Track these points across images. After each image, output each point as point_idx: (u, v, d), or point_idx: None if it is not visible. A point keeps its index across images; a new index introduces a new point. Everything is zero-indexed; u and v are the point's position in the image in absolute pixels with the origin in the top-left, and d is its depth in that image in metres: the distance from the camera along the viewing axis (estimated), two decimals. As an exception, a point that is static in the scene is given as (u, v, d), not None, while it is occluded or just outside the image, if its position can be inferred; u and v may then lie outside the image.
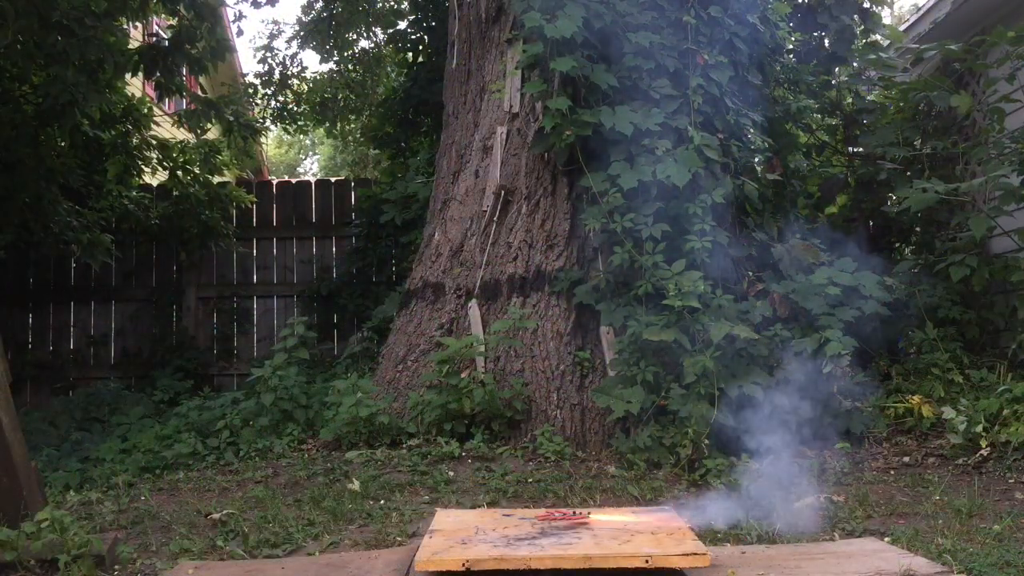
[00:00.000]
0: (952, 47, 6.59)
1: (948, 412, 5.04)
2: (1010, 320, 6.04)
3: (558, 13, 5.66)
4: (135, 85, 9.91)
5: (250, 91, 13.46)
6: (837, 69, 7.84)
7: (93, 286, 9.92)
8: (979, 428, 4.81)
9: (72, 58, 7.13)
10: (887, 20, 9.32)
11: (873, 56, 7.50)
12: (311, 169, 29.24)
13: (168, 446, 5.95)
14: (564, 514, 3.56)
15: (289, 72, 13.71)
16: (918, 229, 7.12)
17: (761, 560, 3.20)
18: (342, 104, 13.64)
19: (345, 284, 9.81)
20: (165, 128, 9.87)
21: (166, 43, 8.37)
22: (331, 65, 13.47)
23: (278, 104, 13.76)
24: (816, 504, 4.09)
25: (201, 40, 8.13)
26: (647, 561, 2.89)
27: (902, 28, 8.79)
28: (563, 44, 5.68)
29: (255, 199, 10.02)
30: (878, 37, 7.99)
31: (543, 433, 5.39)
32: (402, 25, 11.79)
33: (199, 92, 8.78)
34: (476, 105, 6.75)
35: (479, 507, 4.20)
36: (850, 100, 7.76)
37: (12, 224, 8.01)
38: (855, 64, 7.78)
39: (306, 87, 13.94)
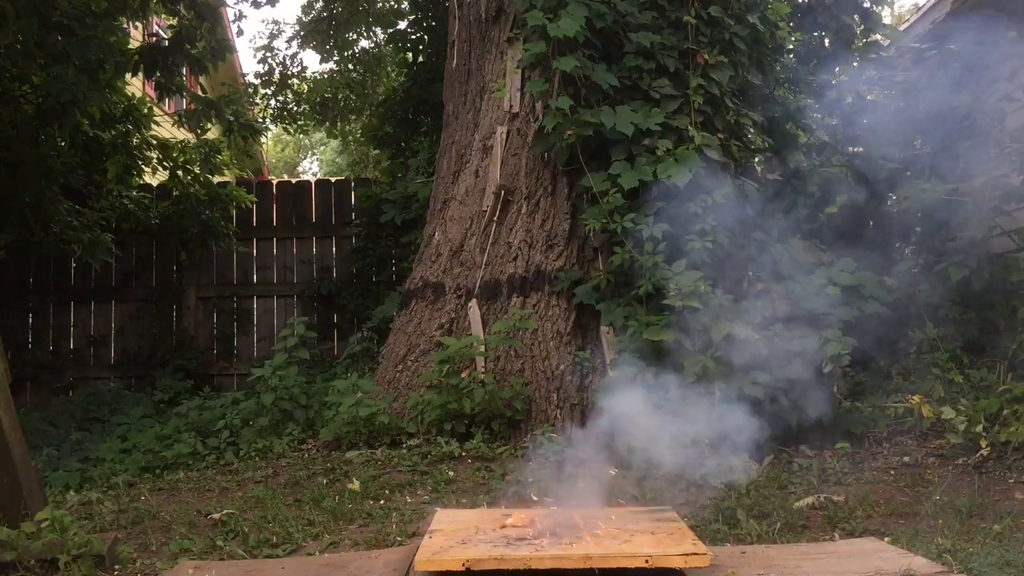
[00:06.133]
0: (952, 47, 6.58)
1: (948, 412, 5.04)
2: (1010, 320, 6.03)
3: (560, 12, 5.66)
4: (135, 85, 9.91)
5: (250, 91, 13.46)
6: (837, 69, 7.83)
7: (93, 286, 9.92)
8: (979, 428, 4.80)
9: (72, 58, 7.14)
10: (887, 20, 9.31)
11: (873, 56, 7.49)
12: (311, 169, 29.26)
13: (168, 446, 5.95)
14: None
15: (289, 72, 13.71)
16: (918, 229, 7.11)
17: (761, 560, 3.20)
18: (342, 104, 13.63)
19: (345, 284, 9.82)
20: (165, 128, 9.87)
21: (166, 43, 8.37)
22: (331, 65, 13.49)
23: (278, 104, 13.76)
24: (816, 504, 4.09)
25: (201, 40, 8.14)
26: (647, 561, 2.88)
27: (902, 28, 8.78)
28: (565, 43, 5.68)
29: (255, 199, 10.02)
30: (878, 37, 7.97)
31: (543, 433, 5.39)
32: (402, 25, 11.79)
33: (199, 92, 8.78)
34: (476, 105, 6.75)
35: (479, 507, 4.20)
36: (850, 100, 7.75)
37: (13, 224, 8.01)
38: (855, 64, 7.77)
39: (306, 87, 13.94)
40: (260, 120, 13.09)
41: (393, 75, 13.39)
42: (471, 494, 4.53)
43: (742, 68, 6.23)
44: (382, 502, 4.42)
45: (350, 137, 14.93)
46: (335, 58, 13.25)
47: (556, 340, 5.79)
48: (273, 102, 13.75)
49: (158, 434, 6.23)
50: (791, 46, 7.75)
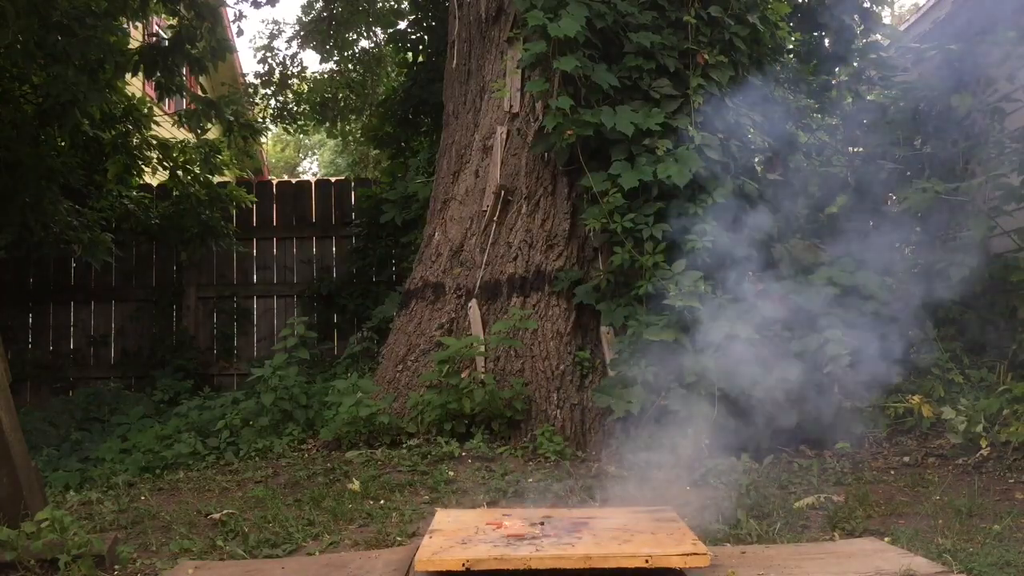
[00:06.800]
0: (952, 47, 6.58)
1: (948, 412, 5.04)
2: (1010, 320, 6.03)
3: (561, 12, 5.67)
4: (135, 85, 9.91)
5: (250, 91, 13.47)
6: (837, 69, 7.84)
7: (93, 286, 9.93)
8: (979, 428, 4.81)
9: (72, 58, 7.14)
10: (887, 20, 9.31)
11: (873, 56, 7.50)
12: (311, 169, 29.27)
13: (168, 446, 5.95)
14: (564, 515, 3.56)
15: (289, 72, 13.71)
16: (918, 229, 7.12)
17: (761, 560, 3.20)
18: (342, 104, 13.64)
19: (345, 284, 9.82)
20: (165, 128, 9.87)
21: (166, 43, 8.37)
22: (331, 65, 13.49)
23: (278, 104, 13.77)
24: (816, 504, 4.09)
25: (201, 40, 8.14)
26: (647, 561, 2.89)
27: (902, 28, 8.78)
28: (565, 43, 5.68)
29: (255, 199, 10.03)
30: (878, 37, 7.98)
31: (543, 433, 5.38)
32: (402, 25, 11.79)
33: (199, 92, 8.78)
34: (476, 105, 6.74)
35: (479, 507, 4.20)
36: (850, 100, 7.75)
37: (13, 224, 8.01)
38: (855, 64, 7.77)
39: (306, 87, 13.94)
40: (260, 120, 13.10)
41: (393, 75, 13.39)
42: (471, 494, 4.53)
43: (742, 68, 6.23)
44: (382, 502, 4.42)
45: (350, 137, 14.93)
46: (335, 58, 13.25)
47: (556, 340, 5.78)
48: (273, 102, 13.75)
49: (158, 434, 6.22)
50: (791, 46, 7.75)
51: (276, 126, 14.48)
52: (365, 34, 13.25)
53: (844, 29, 7.64)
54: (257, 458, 5.60)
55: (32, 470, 3.76)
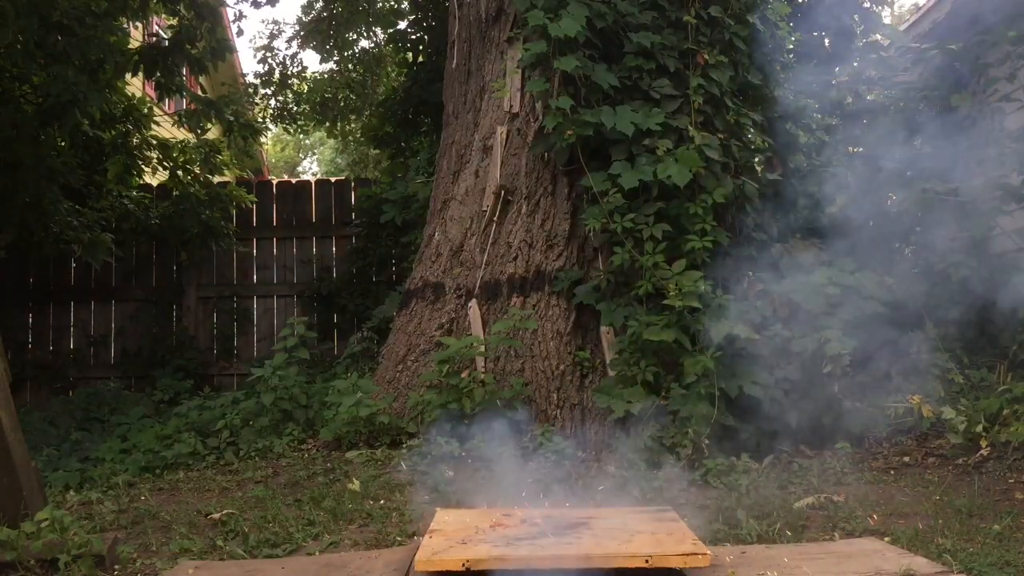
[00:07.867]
0: (952, 47, 6.59)
1: (948, 412, 5.04)
2: (1010, 320, 6.03)
3: (561, 12, 5.67)
4: (135, 85, 9.91)
5: (250, 91, 13.47)
6: (837, 69, 7.84)
7: (93, 286, 9.93)
8: (979, 428, 4.81)
9: (72, 58, 7.14)
10: (887, 20, 9.31)
11: (873, 56, 7.50)
12: (311, 169, 29.27)
13: (168, 446, 5.95)
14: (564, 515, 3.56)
15: (289, 72, 13.72)
16: (918, 229, 7.13)
17: (761, 560, 3.20)
18: (342, 104, 13.65)
19: (345, 284, 9.82)
20: (165, 128, 9.87)
21: (166, 43, 8.38)
22: (331, 65, 13.50)
23: (278, 104, 13.77)
24: (816, 504, 4.09)
25: (201, 40, 8.15)
26: (647, 561, 2.89)
27: (902, 28, 8.78)
28: (566, 43, 5.68)
29: (255, 199, 10.03)
30: (878, 37, 7.98)
31: (543, 433, 5.38)
32: (402, 25, 11.80)
33: (199, 92, 8.78)
34: (476, 105, 6.74)
35: (479, 507, 4.20)
36: (850, 100, 7.75)
37: (13, 224, 8.01)
38: (855, 64, 7.77)
39: (306, 87, 13.95)
40: (260, 120, 13.10)
41: (393, 75, 13.40)
42: (471, 494, 4.53)
43: (742, 68, 6.24)
44: (382, 502, 4.42)
45: (350, 137, 14.94)
46: (335, 58, 13.26)
47: (556, 340, 5.78)
48: (273, 102, 13.75)
49: (158, 434, 6.23)
50: (791, 46, 7.75)
51: (276, 126, 14.49)
52: (365, 34, 13.26)
53: (844, 29, 7.64)
54: (257, 458, 5.60)
55: (32, 470, 3.76)
